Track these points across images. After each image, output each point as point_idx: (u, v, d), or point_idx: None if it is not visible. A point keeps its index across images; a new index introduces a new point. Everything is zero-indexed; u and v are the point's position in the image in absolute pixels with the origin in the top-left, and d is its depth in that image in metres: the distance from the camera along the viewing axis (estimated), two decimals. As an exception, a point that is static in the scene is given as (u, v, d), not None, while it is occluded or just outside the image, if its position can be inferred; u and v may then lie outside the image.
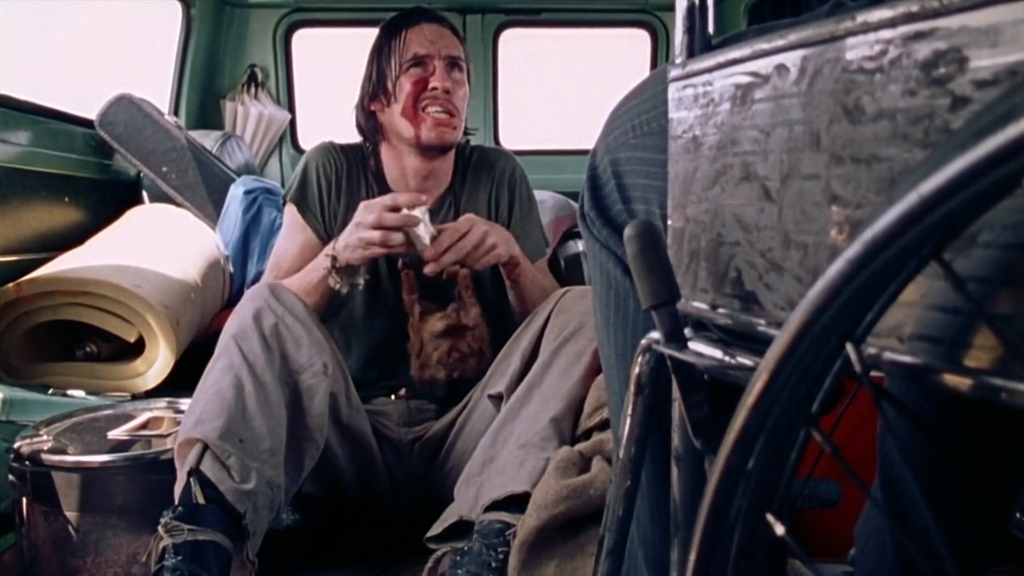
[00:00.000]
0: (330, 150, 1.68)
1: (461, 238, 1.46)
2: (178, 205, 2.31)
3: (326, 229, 1.65)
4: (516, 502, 1.26)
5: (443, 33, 1.63)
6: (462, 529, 1.30)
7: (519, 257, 1.57)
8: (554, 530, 1.19)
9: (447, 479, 1.46)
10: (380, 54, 1.63)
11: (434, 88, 1.58)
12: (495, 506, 1.26)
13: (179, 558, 1.11)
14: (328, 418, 1.39)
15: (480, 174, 1.72)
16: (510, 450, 1.34)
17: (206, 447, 1.22)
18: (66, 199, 2.12)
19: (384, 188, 1.65)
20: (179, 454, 1.25)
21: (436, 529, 1.32)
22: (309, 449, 1.35)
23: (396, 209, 1.44)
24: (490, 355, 1.59)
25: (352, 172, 1.67)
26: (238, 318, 1.38)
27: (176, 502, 1.20)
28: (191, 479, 1.20)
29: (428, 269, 1.45)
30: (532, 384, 1.44)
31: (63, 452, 1.24)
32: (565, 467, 1.26)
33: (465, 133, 1.70)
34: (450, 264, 1.47)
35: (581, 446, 1.33)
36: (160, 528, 1.15)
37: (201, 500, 1.18)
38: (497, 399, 1.50)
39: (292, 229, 1.67)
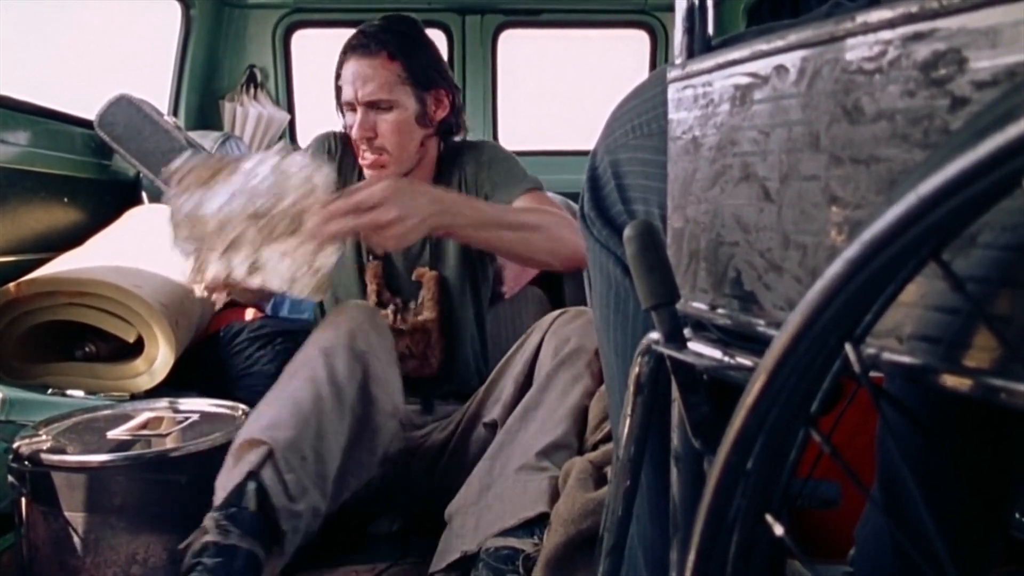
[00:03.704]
0: (330, 137, 1.73)
1: (356, 208, 1.28)
2: (177, 205, 2.31)
3: None
4: (522, 525, 1.25)
5: (363, 71, 1.56)
6: (462, 559, 1.28)
7: (458, 226, 1.40)
8: (576, 547, 1.17)
9: (442, 493, 1.45)
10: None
11: (356, 135, 1.59)
12: (502, 532, 1.25)
13: (219, 559, 1.09)
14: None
15: (452, 170, 1.71)
16: (508, 475, 1.33)
17: (270, 454, 1.20)
18: (65, 200, 2.12)
19: None
20: (239, 449, 1.22)
21: (438, 564, 1.30)
22: (351, 483, 1.33)
23: None
24: (439, 360, 1.64)
25: (345, 161, 1.71)
26: (331, 332, 1.37)
27: (225, 496, 1.17)
28: (249, 482, 1.17)
29: (308, 231, 1.27)
30: (529, 407, 1.44)
31: (62, 452, 1.24)
32: (584, 479, 1.25)
33: (462, 131, 1.72)
34: (337, 233, 1.28)
35: (591, 456, 1.32)
36: (210, 522, 1.13)
37: (253, 507, 1.16)
38: (492, 427, 1.50)
39: None
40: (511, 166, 1.68)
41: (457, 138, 1.74)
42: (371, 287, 1.63)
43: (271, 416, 1.24)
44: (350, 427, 1.31)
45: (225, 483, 1.20)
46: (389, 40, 1.56)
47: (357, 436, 1.33)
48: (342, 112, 1.63)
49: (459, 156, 1.71)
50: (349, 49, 1.59)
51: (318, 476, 1.24)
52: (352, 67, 1.57)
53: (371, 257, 1.67)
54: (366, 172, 1.63)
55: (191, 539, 1.14)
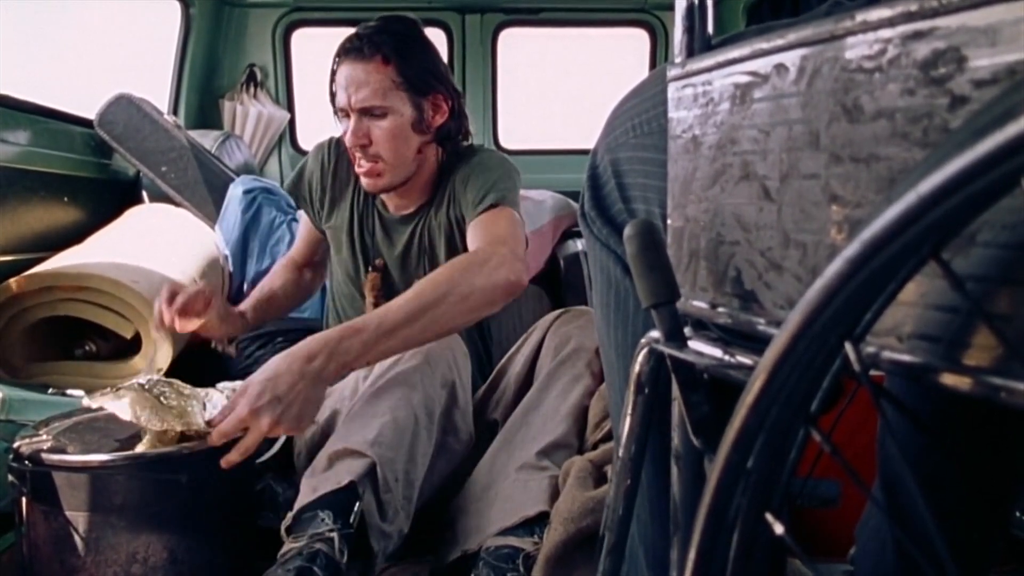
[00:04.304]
0: (325, 145, 1.71)
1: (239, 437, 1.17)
2: (177, 205, 2.31)
3: (317, 219, 1.73)
4: (522, 524, 1.25)
5: (356, 76, 1.49)
6: (463, 558, 1.29)
7: (352, 360, 1.22)
8: (576, 545, 1.17)
9: (442, 492, 1.45)
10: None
11: (349, 143, 1.54)
12: (503, 531, 1.25)
13: (327, 573, 1.10)
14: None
15: (447, 180, 1.64)
16: (509, 475, 1.34)
17: (372, 471, 1.21)
18: (65, 199, 2.12)
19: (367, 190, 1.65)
20: (335, 454, 1.23)
21: (439, 563, 1.31)
22: (417, 503, 1.33)
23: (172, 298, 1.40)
24: None
25: (340, 168, 1.68)
26: (422, 355, 1.36)
27: (317, 497, 1.17)
28: (358, 500, 1.18)
29: (224, 463, 1.16)
30: (529, 407, 1.44)
31: (63, 452, 1.24)
32: (584, 478, 1.25)
33: (465, 136, 1.66)
34: (240, 458, 1.16)
35: (591, 455, 1.32)
36: (334, 534, 1.13)
37: (356, 523, 1.16)
38: (492, 426, 1.50)
39: (300, 216, 1.81)
40: (486, 179, 1.54)
41: (465, 143, 1.67)
42: (369, 298, 1.62)
43: (375, 430, 1.24)
44: (432, 453, 1.33)
45: (318, 484, 1.20)
46: (384, 43, 1.50)
47: (434, 461, 1.34)
48: (338, 118, 1.58)
49: (455, 165, 1.62)
50: (343, 52, 1.52)
51: (405, 499, 1.25)
52: (345, 71, 1.51)
53: (370, 269, 1.66)
54: (363, 180, 1.58)
55: (305, 539, 1.13)
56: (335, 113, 1.58)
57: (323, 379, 1.20)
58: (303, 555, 1.11)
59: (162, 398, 1.22)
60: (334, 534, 1.13)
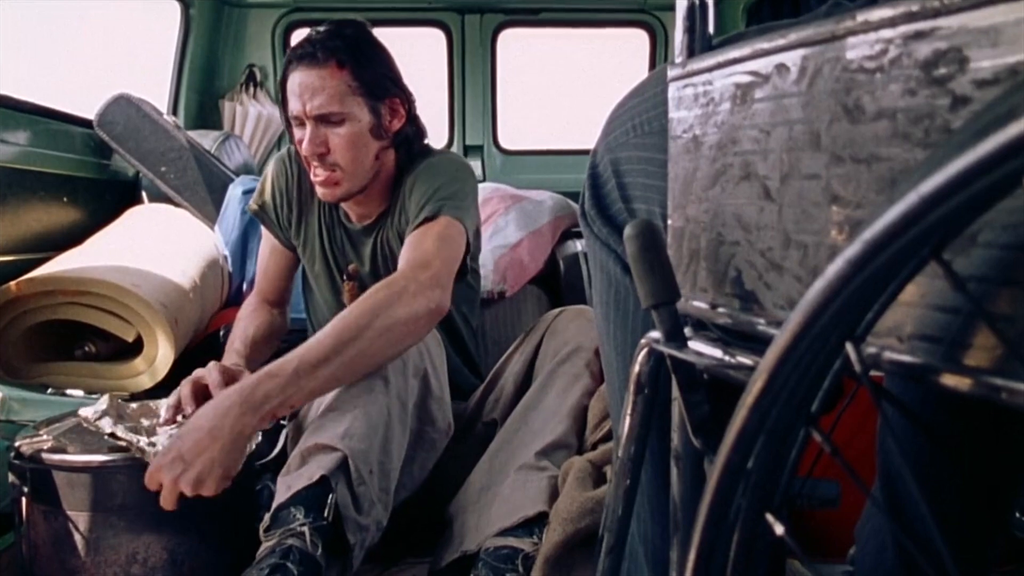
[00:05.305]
0: (284, 159, 1.65)
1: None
2: (177, 205, 2.31)
3: (285, 236, 1.67)
4: (521, 524, 1.25)
5: (310, 83, 1.44)
6: (462, 558, 1.28)
7: (278, 405, 1.18)
8: (575, 546, 1.17)
9: (442, 493, 1.45)
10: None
11: (306, 152, 1.48)
12: (502, 531, 1.25)
13: (302, 568, 1.10)
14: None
15: (401, 186, 1.59)
16: (508, 475, 1.34)
17: (343, 463, 1.20)
18: (65, 199, 2.12)
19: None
20: (308, 450, 1.22)
21: (438, 564, 1.31)
22: (400, 496, 1.32)
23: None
24: None
25: (304, 181, 1.62)
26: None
27: (291, 494, 1.17)
28: (332, 493, 1.18)
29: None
30: (529, 406, 1.44)
31: (63, 451, 1.24)
32: (583, 478, 1.25)
33: (421, 137, 1.61)
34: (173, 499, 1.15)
35: (591, 455, 1.32)
36: (305, 528, 1.13)
37: (331, 517, 1.16)
38: (491, 426, 1.50)
39: (264, 235, 1.72)
40: (428, 187, 1.49)
41: (421, 144, 1.62)
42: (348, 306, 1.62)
43: (345, 424, 1.23)
44: (409, 443, 1.32)
45: (291, 482, 1.20)
46: (338, 48, 1.45)
47: (412, 452, 1.34)
48: (290, 127, 1.52)
49: (408, 170, 1.57)
50: (295, 59, 1.47)
51: (382, 491, 1.25)
52: (298, 78, 1.45)
53: (345, 277, 1.63)
54: (318, 190, 1.52)
55: (277, 537, 1.14)
56: (286, 122, 1.52)
57: (240, 434, 1.16)
58: (276, 552, 1.11)
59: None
60: (305, 528, 1.13)
